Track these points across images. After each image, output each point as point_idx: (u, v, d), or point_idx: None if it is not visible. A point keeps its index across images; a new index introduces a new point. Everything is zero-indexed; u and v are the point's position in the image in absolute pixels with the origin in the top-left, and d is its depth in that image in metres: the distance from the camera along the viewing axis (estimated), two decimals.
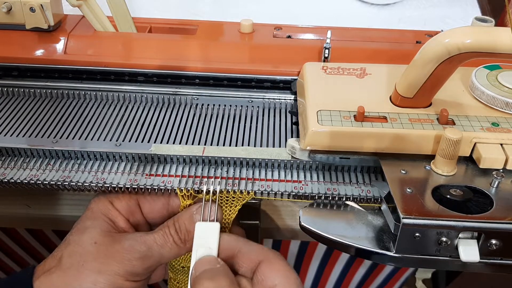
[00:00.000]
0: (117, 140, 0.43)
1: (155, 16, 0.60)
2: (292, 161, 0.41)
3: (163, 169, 0.41)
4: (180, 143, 0.43)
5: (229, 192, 0.39)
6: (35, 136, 0.43)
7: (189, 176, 0.40)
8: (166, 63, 0.49)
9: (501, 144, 0.38)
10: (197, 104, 0.49)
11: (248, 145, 0.43)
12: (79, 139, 0.43)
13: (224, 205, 0.41)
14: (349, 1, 0.71)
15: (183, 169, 0.41)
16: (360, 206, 0.39)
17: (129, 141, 0.43)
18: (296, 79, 0.49)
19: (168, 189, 0.39)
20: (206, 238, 0.37)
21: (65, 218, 0.45)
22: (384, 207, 0.37)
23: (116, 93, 0.49)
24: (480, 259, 0.33)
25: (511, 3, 0.54)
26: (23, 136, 0.43)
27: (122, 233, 0.38)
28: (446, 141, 0.36)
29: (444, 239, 0.33)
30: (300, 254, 0.67)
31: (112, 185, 0.39)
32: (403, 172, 0.37)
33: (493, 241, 0.33)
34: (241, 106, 0.49)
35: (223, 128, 0.45)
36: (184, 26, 0.56)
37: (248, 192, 0.39)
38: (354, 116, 0.40)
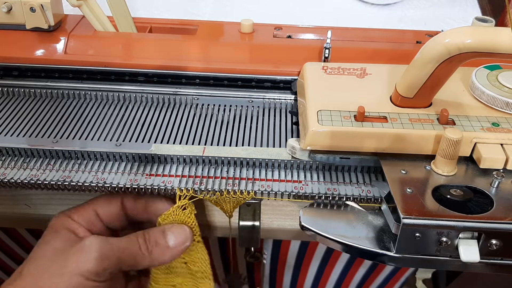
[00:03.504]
0: (117, 140, 0.43)
1: (155, 16, 0.60)
2: (292, 161, 0.41)
3: (163, 169, 0.41)
4: (180, 143, 0.43)
5: (229, 192, 0.39)
6: (35, 136, 0.43)
7: (189, 176, 0.40)
8: (166, 63, 0.49)
9: (501, 144, 0.38)
10: (197, 104, 0.49)
11: (248, 145, 0.43)
12: (79, 139, 0.43)
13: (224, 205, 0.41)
14: (349, 1, 0.71)
15: (183, 169, 0.41)
16: (360, 206, 0.39)
17: (129, 141, 0.43)
18: (297, 79, 0.49)
19: (168, 189, 0.39)
20: None
21: None
22: (384, 207, 0.37)
23: (116, 93, 0.49)
24: (480, 259, 0.33)
25: (511, 3, 0.54)
26: (23, 136, 0.43)
27: (83, 237, 0.38)
28: (447, 141, 0.36)
29: (444, 239, 0.33)
30: (300, 254, 0.67)
31: (112, 185, 0.39)
32: (403, 172, 0.37)
33: (493, 241, 0.33)
34: (241, 106, 0.49)
35: (223, 128, 0.45)
36: (184, 26, 0.56)
37: (248, 192, 0.39)
38: (355, 116, 0.39)
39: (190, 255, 0.43)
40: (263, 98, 0.49)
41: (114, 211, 0.42)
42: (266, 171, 0.41)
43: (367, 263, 0.68)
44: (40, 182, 0.39)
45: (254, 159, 0.41)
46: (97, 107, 0.48)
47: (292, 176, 0.41)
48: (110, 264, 0.37)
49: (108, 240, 0.38)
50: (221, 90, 0.50)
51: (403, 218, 0.33)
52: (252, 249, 0.51)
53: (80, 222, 0.40)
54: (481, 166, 0.37)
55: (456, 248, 0.34)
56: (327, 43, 0.48)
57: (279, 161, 0.41)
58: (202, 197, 0.39)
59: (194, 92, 0.49)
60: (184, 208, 0.40)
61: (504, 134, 0.38)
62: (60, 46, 0.50)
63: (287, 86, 0.49)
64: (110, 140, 0.43)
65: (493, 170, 0.37)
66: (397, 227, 0.34)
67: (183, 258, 0.43)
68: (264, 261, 0.66)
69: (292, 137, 0.44)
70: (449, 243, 0.33)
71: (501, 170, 0.37)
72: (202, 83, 0.50)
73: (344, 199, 0.39)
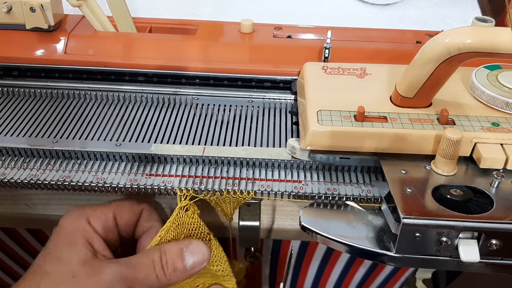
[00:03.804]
0: (117, 140, 0.43)
1: (155, 16, 0.60)
2: (292, 161, 0.41)
3: (163, 169, 0.41)
4: (180, 143, 0.43)
5: (229, 192, 0.39)
6: (35, 136, 0.43)
7: (189, 176, 0.40)
8: (166, 63, 0.49)
9: (501, 144, 0.38)
10: (197, 104, 0.49)
11: (248, 145, 0.43)
12: (79, 139, 0.43)
13: (224, 205, 0.41)
14: (349, 1, 0.71)
15: (183, 169, 0.41)
16: (360, 206, 0.39)
17: (129, 141, 0.43)
18: (296, 79, 0.49)
19: (168, 189, 0.39)
20: None
21: None
22: (384, 207, 0.37)
23: (116, 93, 0.49)
24: (480, 259, 0.33)
25: (511, 3, 0.54)
26: (23, 136, 0.43)
27: (101, 262, 0.37)
28: (447, 141, 0.36)
29: (444, 239, 0.33)
30: (300, 254, 0.67)
31: (112, 185, 0.39)
32: (403, 172, 0.37)
33: (493, 241, 0.33)
34: (241, 106, 0.49)
35: (223, 128, 0.45)
36: (184, 26, 0.56)
37: (248, 192, 0.39)
38: (354, 116, 0.39)
39: None
40: (263, 98, 0.49)
41: (133, 222, 0.41)
42: (266, 171, 0.41)
43: (367, 263, 0.68)
44: (40, 182, 0.39)
45: (254, 159, 0.41)
46: (97, 107, 0.48)
47: (292, 176, 0.41)
48: None
49: (128, 273, 0.36)
50: (221, 90, 0.50)
51: (403, 218, 0.33)
52: (252, 249, 0.51)
53: (96, 229, 0.38)
54: (481, 166, 0.37)
55: (456, 248, 0.34)
56: (327, 43, 0.48)
57: (279, 161, 0.41)
58: (202, 197, 0.39)
59: (194, 92, 0.49)
60: (187, 209, 0.39)
61: (504, 134, 0.38)
62: (60, 46, 0.50)
63: (287, 86, 0.49)
64: (110, 140, 0.43)
65: (493, 170, 0.37)
66: (397, 227, 0.34)
67: None
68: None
69: (292, 137, 0.44)
70: (449, 243, 0.33)
71: (501, 170, 0.37)
72: (202, 83, 0.50)
73: (344, 199, 0.39)
